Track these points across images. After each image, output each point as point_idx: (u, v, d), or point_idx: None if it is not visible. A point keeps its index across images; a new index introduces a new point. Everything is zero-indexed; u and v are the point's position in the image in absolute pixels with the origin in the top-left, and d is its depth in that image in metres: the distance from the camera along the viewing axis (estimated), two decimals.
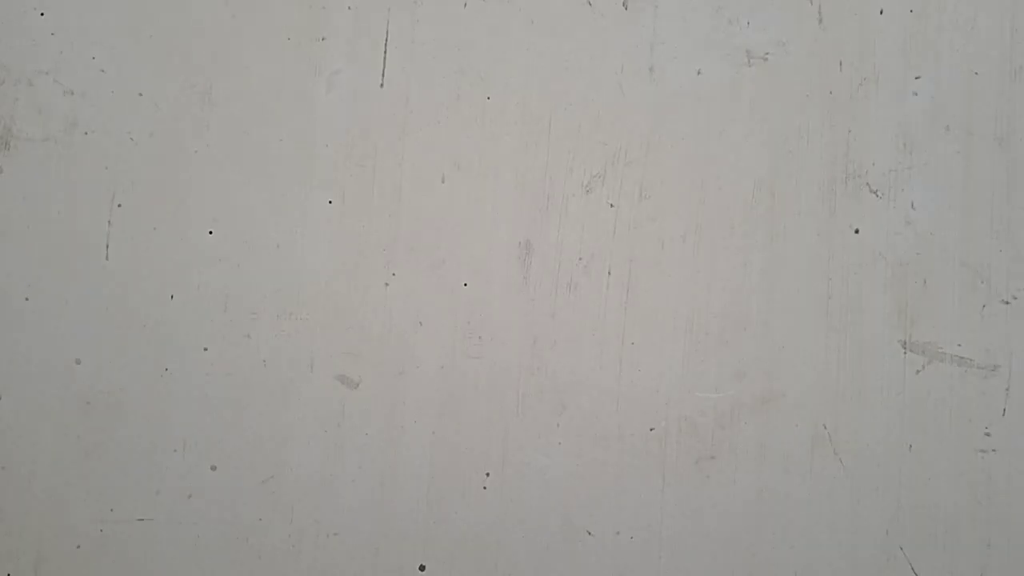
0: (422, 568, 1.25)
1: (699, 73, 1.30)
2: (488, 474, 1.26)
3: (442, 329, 1.28)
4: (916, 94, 1.30)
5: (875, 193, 1.29)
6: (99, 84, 1.30)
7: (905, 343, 1.26)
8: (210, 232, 1.29)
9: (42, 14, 1.31)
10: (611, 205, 1.29)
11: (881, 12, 1.31)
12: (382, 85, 1.31)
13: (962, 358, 1.26)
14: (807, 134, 1.29)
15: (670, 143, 1.30)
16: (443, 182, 1.29)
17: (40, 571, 1.25)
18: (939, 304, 1.27)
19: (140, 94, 1.30)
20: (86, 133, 1.30)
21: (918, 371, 1.26)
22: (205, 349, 1.27)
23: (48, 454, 1.26)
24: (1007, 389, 1.26)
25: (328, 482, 1.26)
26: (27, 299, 1.28)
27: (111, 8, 1.32)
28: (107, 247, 1.29)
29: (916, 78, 1.30)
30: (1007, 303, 1.27)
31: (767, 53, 1.30)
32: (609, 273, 1.28)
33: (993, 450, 1.25)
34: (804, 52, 1.30)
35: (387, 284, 1.28)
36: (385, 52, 1.31)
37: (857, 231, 1.28)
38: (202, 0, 1.32)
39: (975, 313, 1.27)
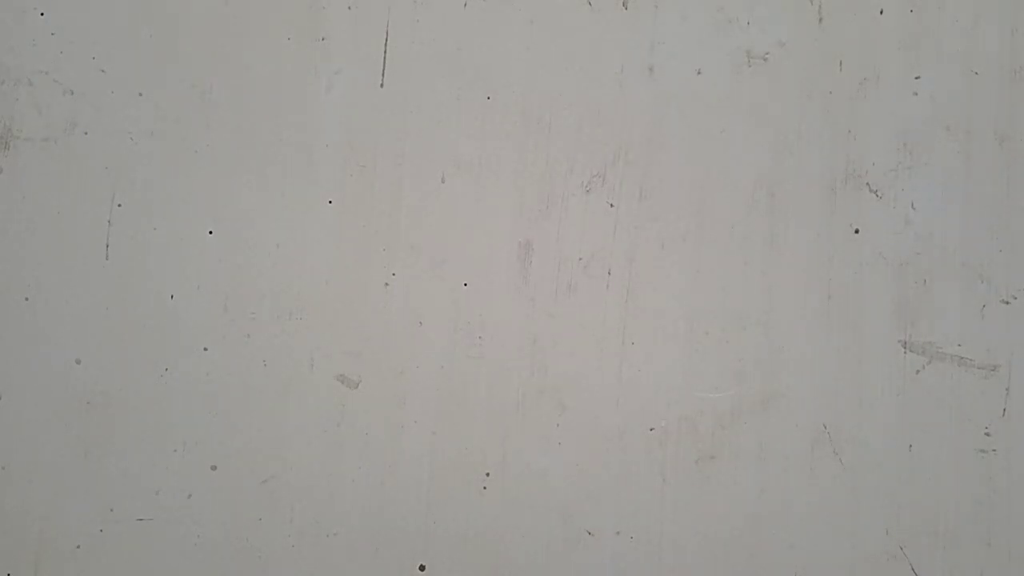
0: (422, 568, 1.25)
1: (699, 73, 1.30)
2: (488, 474, 1.26)
3: (442, 329, 1.28)
4: (916, 94, 1.30)
5: (875, 193, 1.29)
6: (99, 84, 1.30)
7: (905, 343, 1.26)
8: (210, 232, 1.29)
9: (42, 14, 1.31)
10: (611, 205, 1.29)
11: (881, 12, 1.31)
12: (382, 85, 1.31)
13: (962, 358, 1.26)
14: (807, 134, 1.29)
15: (670, 143, 1.30)
16: (443, 182, 1.29)
17: (40, 571, 1.25)
18: (939, 304, 1.27)
19: (140, 94, 1.30)
20: (86, 133, 1.30)
21: (918, 371, 1.26)
22: (205, 349, 1.27)
23: (48, 454, 1.26)
24: (1007, 389, 1.26)
25: (328, 482, 1.26)
26: (27, 299, 1.28)
27: (111, 8, 1.32)
28: (107, 247, 1.29)
29: (916, 78, 1.30)
30: (1007, 303, 1.27)
31: (767, 53, 1.30)
32: (609, 273, 1.28)
33: (993, 450, 1.25)
34: (804, 52, 1.30)
35: (387, 284, 1.28)
36: (385, 52, 1.31)
37: (857, 231, 1.28)
38: (202, 0, 1.32)
39: (975, 313, 1.27)
